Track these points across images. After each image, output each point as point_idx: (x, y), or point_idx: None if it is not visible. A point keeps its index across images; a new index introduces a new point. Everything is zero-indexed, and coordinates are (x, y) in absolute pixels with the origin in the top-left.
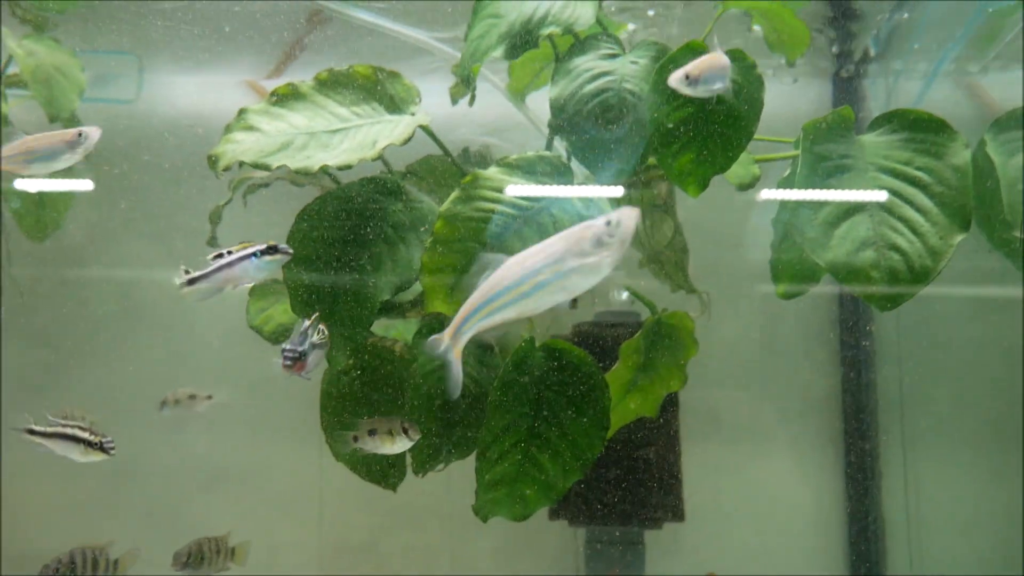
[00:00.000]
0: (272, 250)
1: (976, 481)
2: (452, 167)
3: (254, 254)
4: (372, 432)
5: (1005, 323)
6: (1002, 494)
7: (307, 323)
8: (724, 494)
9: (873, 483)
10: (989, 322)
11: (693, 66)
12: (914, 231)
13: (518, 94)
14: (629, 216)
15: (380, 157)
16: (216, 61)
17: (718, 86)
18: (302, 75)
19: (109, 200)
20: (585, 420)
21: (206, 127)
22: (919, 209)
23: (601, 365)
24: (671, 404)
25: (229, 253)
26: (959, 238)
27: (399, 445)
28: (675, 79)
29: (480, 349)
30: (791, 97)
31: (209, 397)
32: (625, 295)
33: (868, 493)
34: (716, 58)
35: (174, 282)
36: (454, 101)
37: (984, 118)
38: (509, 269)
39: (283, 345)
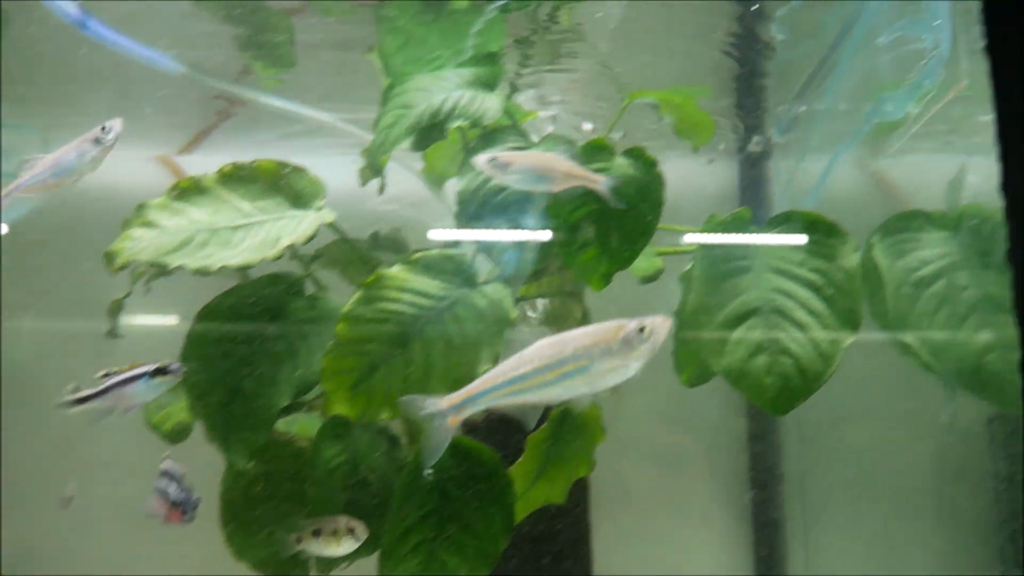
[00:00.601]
0: (162, 371)
1: (873, 549)
2: (362, 249)
3: (144, 375)
4: (317, 533)
5: (901, 393)
6: (898, 560)
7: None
8: (635, 567)
9: (779, 554)
10: (885, 394)
11: (506, 155)
12: (806, 335)
13: (433, 178)
14: (663, 325)
15: (281, 256)
16: (127, 136)
17: (514, 178)
18: (216, 150)
19: (10, 278)
20: (490, 517)
21: (115, 202)
22: (811, 312)
23: (515, 445)
24: (579, 485)
25: (116, 373)
26: (849, 340)
27: (345, 546)
28: (481, 160)
29: (387, 443)
30: (702, 175)
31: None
32: None
33: (774, 565)
34: (538, 157)
35: (61, 399)
36: (363, 183)
37: (889, 204)
38: (535, 353)
39: (163, 488)
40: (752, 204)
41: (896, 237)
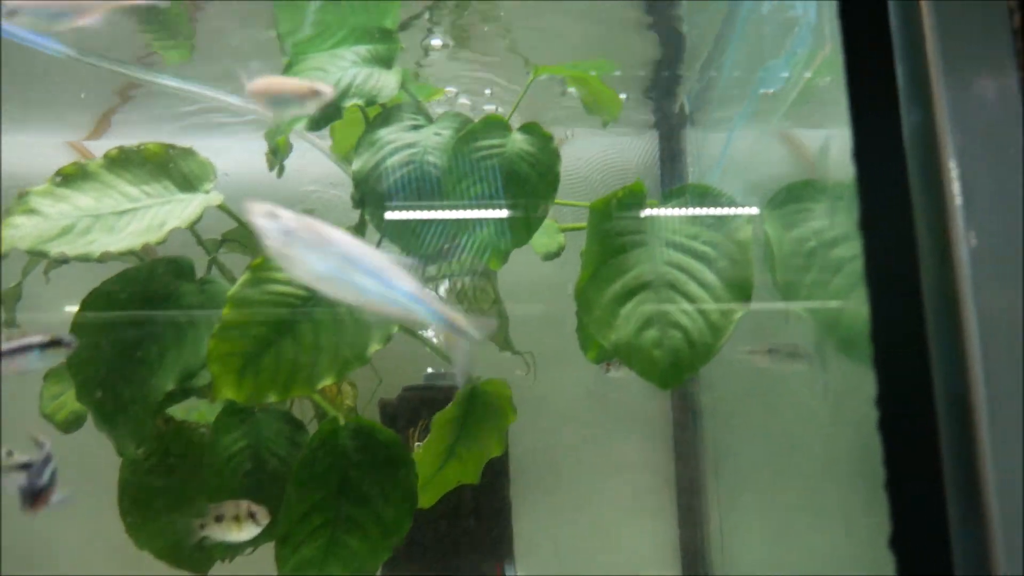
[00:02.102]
0: (56, 343)
1: (778, 521)
2: None
3: (37, 346)
4: (219, 519)
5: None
6: (806, 525)
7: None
8: (560, 541)
9: (699, 526)
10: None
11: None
12: (697, 307)
13: (343, 155)
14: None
15: (165, 240)
16: (38, 123)
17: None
18: (130, 133)
19: None
20: (392, 499)
21: (22, 187)
22: (703, 284)
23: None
24: (498, 461)
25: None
26: (739, 314)
27: (247, 531)
28: None
29: (290, 427)
30: (623, 148)
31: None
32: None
33: (696, 533)
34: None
35: None
36: (271, 167)
37: (798, 167)
38: None
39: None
40: (671, 175)
41: (787, 208)
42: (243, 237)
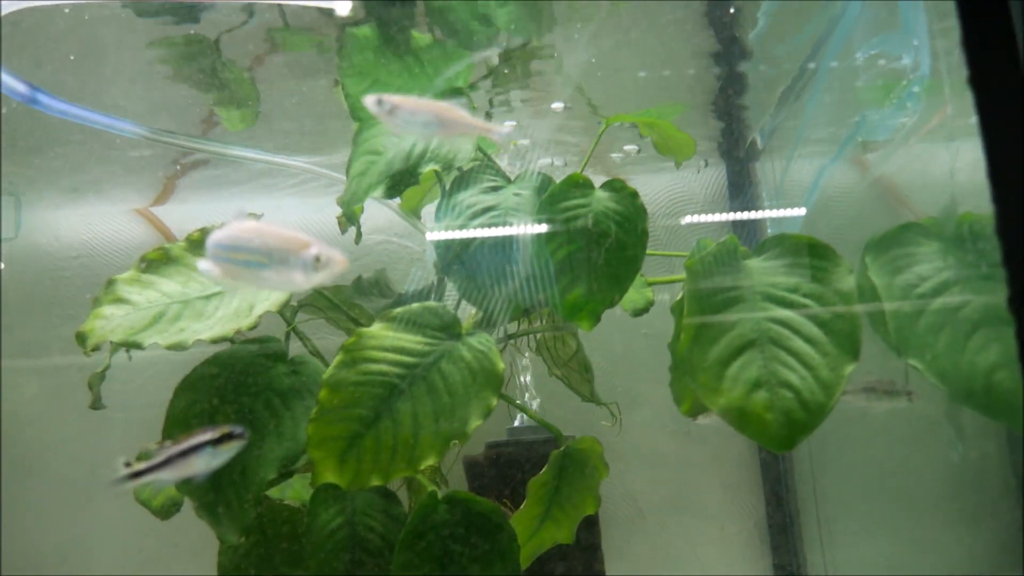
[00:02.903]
0: (228, 437)
1: (889, 554)
2: (348, 295)
3: (208, 443)
4: None
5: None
6: (914, 561)
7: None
8: None
9: (796, 560)
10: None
11: (393, 97)
12: (805, 365)
13: (411, 211)
14: (338, 263)
15: (256, 325)
16: (99, 192)
17: (400, 123)
18: (193, 196)
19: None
20: (496, 569)
21: (91, 256)
22: (808, 339)
23: (515, 483)
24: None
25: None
26: (850, 368)
27: None
28: (369, 101)
29: (384, 500)
30: (691, 180)
31: None
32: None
33: (793, 569)
34: (428, 103)
35: (113, 477)
36: (343, 230)
37: (890, 205)
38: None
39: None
40: (740, 207)
41: (890, 253)
42: (319, 302)
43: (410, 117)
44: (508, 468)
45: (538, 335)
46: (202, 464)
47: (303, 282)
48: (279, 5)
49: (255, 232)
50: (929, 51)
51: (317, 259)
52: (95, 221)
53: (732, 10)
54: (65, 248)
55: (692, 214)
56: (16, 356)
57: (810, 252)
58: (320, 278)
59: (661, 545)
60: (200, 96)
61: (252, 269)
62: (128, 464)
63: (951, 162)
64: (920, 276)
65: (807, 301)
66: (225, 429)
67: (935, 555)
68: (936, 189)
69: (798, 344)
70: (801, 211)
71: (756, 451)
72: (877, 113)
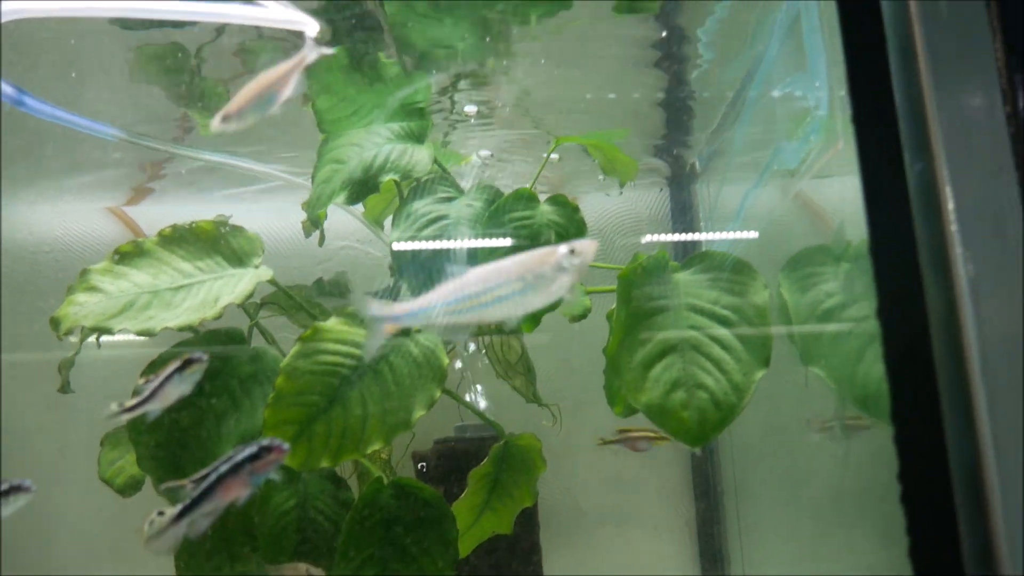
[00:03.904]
0: (189, 362)
1: (796, 552)
2: (309, 295)
3: (175, 371)
4: None
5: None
6: (814, 559)
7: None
8: None
9: (721, 563)
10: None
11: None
12: (720, 369)
13: (374, 220)
14: (589, 246)
15: (221, 315)
16: (75, 191)
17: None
18: (166, 198)
19: None
20: (435, 553)
21: (64, 252)
22: (725, 347)
23: (460, 478)
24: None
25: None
26: (760, 373)
27: None
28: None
29: (334, 485)
30: (637, 201)
31: None
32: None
33: (717, 569)
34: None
35: (110, 412)
36: (307, 234)
37: (814, 224)
38: (471, 279)
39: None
40: (682, 227)
41: (801, 272)
42: (281, 300)
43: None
44: (454, 463)
45: (485, 339)
46: (175, 390)
47: (572, 279)
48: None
49: (494, 271)
50: (827, 92)
51: (572, 251)
52: (70, 219)
53: (664, 34)
54: (39, 243)
55: (640, 233)
56: None
57: (730, 268)
58: (583, 263)
59: (598, 542)
60: (175, 103)
61: (511, 300)
62: (120, 404)
63: (841, 192)
64: (826, 293)
65: (726, 312)
66: (186, 355)
67: (834, 556)
68: (837, 214)
69: (715, 351)
70: (753, 234)
71: (688, 456)
72: (789, 144)
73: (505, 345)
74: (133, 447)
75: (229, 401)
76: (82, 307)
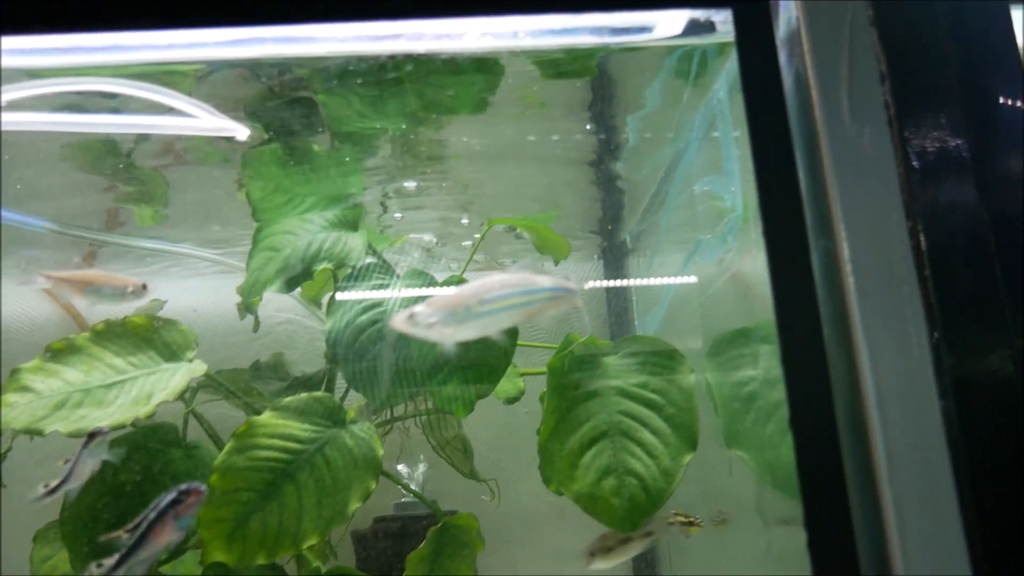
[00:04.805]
0: (92, 436)
1: None
2: (245, 379)
3: (84, 448)
4: None
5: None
6: None
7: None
8: None
9: None
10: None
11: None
12: (649, 454)
13: (310, 298)
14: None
15: (154, 413)
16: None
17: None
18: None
19: None
20: None
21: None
22: (654, 431)
23: (402, 554)
24: None
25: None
26: (688, 457)
27: None
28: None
29: (271, 572)
30: (572, 275)
31: None
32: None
33: None
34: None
35: (37, 495)
36: (241, 317)
37: (746, 301)
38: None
39: None
40: (616, 297)
41: (724, 356)
42: (217, 386)
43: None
44: (394, 541)
45: (422, 417)
46: (87, 465)
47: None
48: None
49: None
50: (742, 195)
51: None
52: (6, 299)
53: (588, 127)
54: None
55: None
56: None
57: (657, 352)
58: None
59: None
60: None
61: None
62: (47, 485)
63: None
64: (749, 376)
65: (654, 396)
66: (90, 430)
67: None
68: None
69: (645, 435)
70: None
71: None
72: (709, 241)
73: (442, 421)
74: (66, 546)
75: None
76: (12, 408)
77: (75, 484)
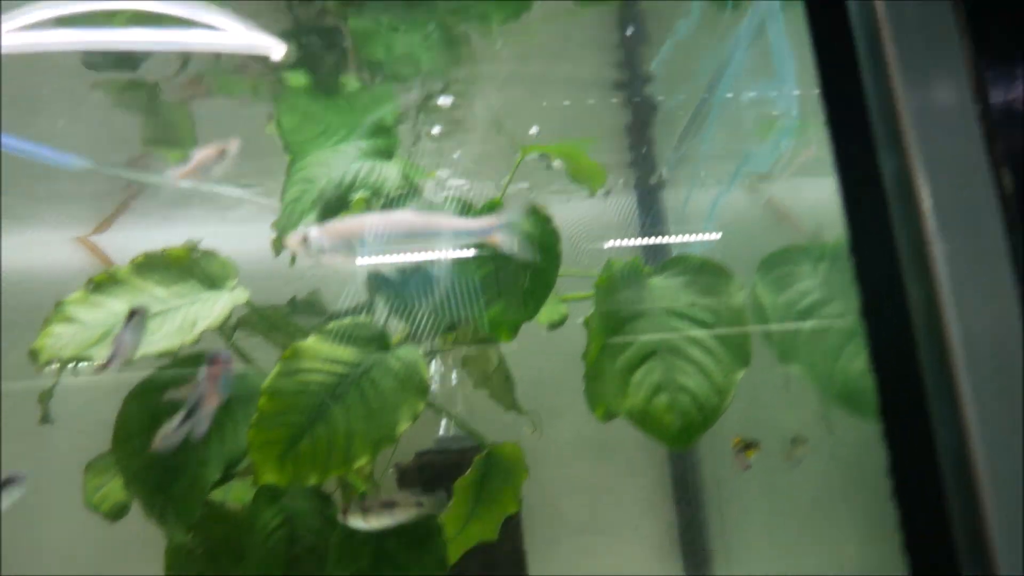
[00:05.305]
0: (134, 313)
1: (782, 553)
2: (284, 314)
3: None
4: None
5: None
6: (812, 561)
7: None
8: None
9: (705, 564)
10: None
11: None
12: (701, 371)
13: None
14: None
15: (198, 340)
16: (40, 220)
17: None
18: (134, 225)
19: None
20: (424, 564)
21: (36, 284)
22: (704, 349)
23: (445, 488)
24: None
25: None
26: (740, 373)
27: None
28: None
29: (320, 502)
30: (605, 209)
31: None
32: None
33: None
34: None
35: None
36: (276, 254)
37: (783, 227)
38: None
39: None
40: (651, 232)
41: (776, 272)
42: (258, 322)
43: (360, 243)
44: (435, 475)
45: (463, 351)
46: (132, 339)
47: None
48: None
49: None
50: (797, 96)
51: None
52: (37, 251)
53: (628, 32)
54: (7, 275)
55: (606, 239)
56: None
57: (706, 271)
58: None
59: (580, 548)
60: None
61: None
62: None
63: (817, 193)
64: (801, 293)
65: (703, 315)
66: (132, 308)
67: (819, 554)
68: (811, 216)
69: (695, 353)
70: (716, 236)
71: (667, 459)
72: (760, 149)
73: (482, 356)
74: (120, 471)
75: (212, 424)
76: (59, 338)
77: (120, 360)
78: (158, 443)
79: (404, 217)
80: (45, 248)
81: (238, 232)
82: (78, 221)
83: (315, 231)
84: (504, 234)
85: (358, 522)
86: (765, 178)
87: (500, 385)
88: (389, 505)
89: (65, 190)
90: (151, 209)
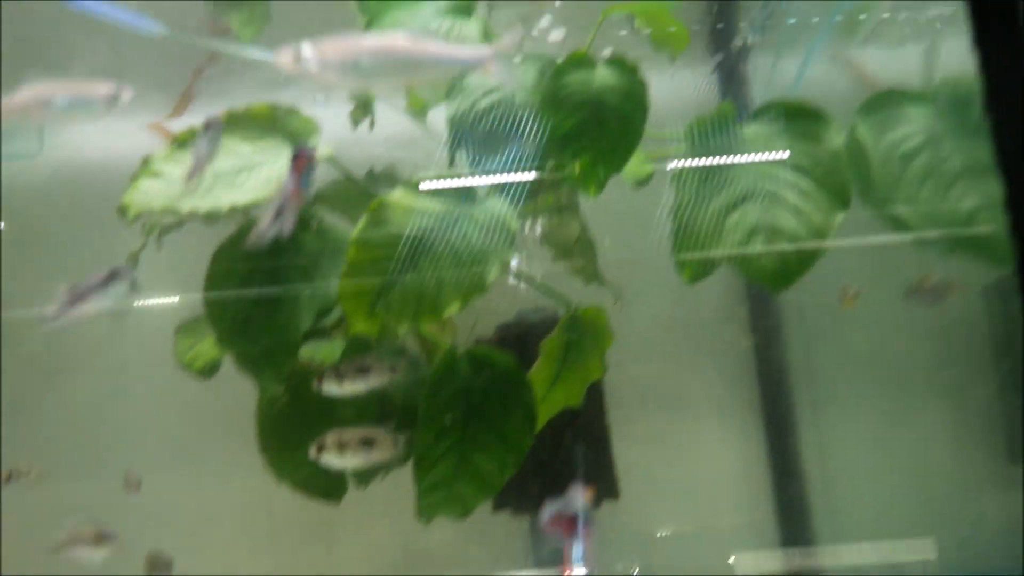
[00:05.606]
0: (114, 275)
1: (880, 429)
2: (360, 188)
3: (96, 285)
4: (339, 445)
5: (891, 273)
6: (903, 436)
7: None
8: (655, 466)
9: (790, 440)
10: (876, 272)
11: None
12: (799, 213)
13: (417, 111)
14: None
15: None
16: (118, 109)
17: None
18: (204, 112)
19: (20, 250)
20: (514, 417)
21: (114, 172)
22: (802, 192)
23: (526, 360)
24: (595, 389)
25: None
26: (840, 216)
27: (360, 458)
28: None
29: (407, 360)
30: (681, 83)
31: None
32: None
33: (787, 449)
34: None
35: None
36: (355, 124)
37: (864, 92)
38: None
39: None
40: (736, 98)
41: (878, 115)
42: (336, 194)
43: (352, 64)
44: (518, 347)
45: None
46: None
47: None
48: None
49: None
50: None
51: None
52: (114, 138)
53: None
54: (85, 163)
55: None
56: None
57: (802, 115)
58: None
59: (661, 425)
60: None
61: None
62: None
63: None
64: (906, 134)
65: (799, 159)
66: (111, 269)
67: (917, 429)
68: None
69: (792, 197)
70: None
71: (749, 335)
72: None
73: (561, 223)
74: (213, 327)
75: (301, 276)
76: (147, 192)
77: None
78: (251, 241)
79: (396, 41)
80: (121, 136)
81: (313, 102)
82: (154, 108)
83: (308, 47)
84: (498, 64)
85: (332, 388)
86: (850, 42)
87: (581, 255)
88: (363, 370)
89: (141, 76)
90: (221, 92)
